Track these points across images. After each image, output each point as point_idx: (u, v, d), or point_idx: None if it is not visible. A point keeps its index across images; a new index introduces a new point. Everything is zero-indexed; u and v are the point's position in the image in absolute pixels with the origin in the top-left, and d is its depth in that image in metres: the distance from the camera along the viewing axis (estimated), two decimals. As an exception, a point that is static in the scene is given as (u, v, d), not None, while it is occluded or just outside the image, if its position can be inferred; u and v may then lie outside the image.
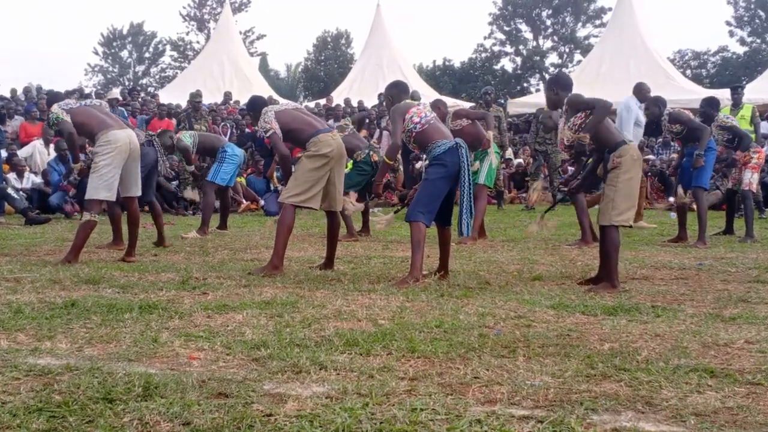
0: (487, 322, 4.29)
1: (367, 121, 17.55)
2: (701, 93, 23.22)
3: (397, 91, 6.41)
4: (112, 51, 56.65)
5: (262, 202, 14.62)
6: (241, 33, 41.09)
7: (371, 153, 9.74)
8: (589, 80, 24.91)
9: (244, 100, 22.11)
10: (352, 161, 9.68)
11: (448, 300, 5.01)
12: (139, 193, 7.20)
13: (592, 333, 4.05)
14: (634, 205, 5.63)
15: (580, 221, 8.78)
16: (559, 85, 6.02)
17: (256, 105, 6.85)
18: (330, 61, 53.86)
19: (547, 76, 51.66)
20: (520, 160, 18.52)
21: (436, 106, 8.88)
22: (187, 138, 10.04)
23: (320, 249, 7.73)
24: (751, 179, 9.26)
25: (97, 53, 56.61)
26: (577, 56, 49.66)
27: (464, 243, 8.39)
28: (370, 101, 21.81)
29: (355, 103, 21.43)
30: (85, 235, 6.74)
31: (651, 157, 17.11)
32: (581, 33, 51.59)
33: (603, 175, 5.79)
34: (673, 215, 11.65)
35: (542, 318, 4.45)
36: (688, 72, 44.16)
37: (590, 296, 5.24)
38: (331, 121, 9.92)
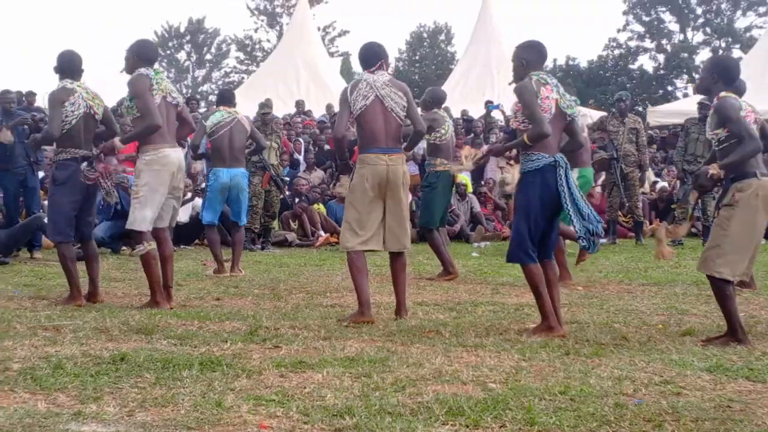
0: (624, 388, 4.23)
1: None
2: None
3: (537, 57, 5.92)
4: (167, 52, 57.62)
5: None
6: (319, 29, 41.83)
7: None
8: (751, 83, 24.31)
9: (321, 110, 22.41)
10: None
11: (575, 360, 4.96)
12: None
13: (760, 404, 3.95)
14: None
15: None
16: (722, 74, 5.67)
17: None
18: (426, 61, 54.25)
19: (696, 76, 50.87)
20: (665, 183, 18.20)
21: None
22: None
23: (415, 293, 7.74)
24: None
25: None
26: (737, 52, 48.71)
27: (566, 284, 8.10)
28: (476, 110, 21.76)
29: (456, 113, 21.38)
30: None
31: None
32: (741, 23, 50.81)
33: (715, 209, 5.70)
34: None
35: (695, 384, 4.36)
36: None
37: (757, 357, 5.09)
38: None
